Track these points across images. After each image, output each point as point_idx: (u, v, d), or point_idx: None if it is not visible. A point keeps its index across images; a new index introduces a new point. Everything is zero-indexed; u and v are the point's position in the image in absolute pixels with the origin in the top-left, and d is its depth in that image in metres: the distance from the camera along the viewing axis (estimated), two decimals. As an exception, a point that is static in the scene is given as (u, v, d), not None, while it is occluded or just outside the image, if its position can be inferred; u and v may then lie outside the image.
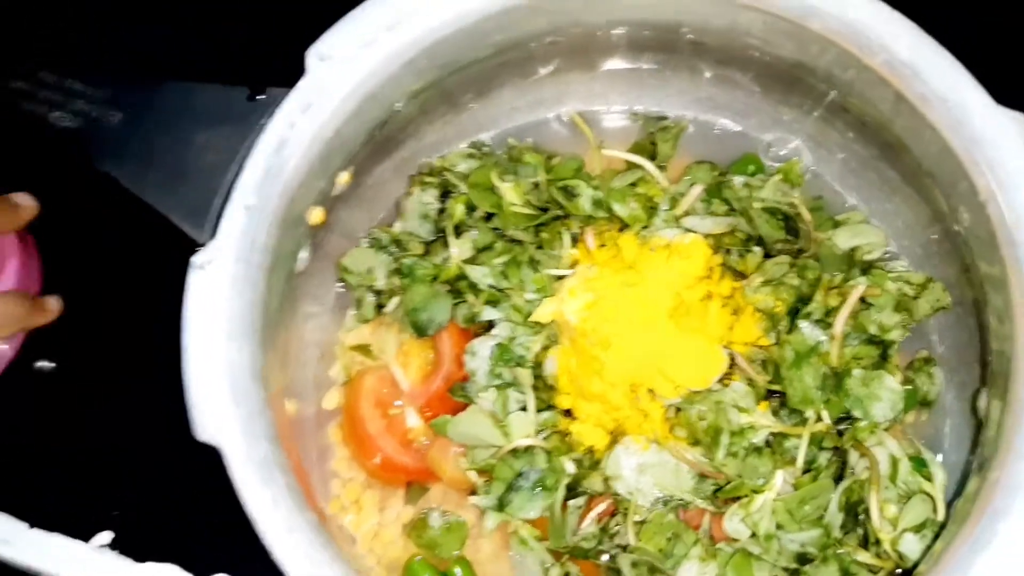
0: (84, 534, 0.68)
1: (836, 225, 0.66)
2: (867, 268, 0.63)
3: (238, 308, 0.47)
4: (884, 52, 0.51)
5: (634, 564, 0.56)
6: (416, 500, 0.63)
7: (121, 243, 0.65)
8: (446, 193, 0.67)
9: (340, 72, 0.53)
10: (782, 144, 0.70)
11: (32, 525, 0.69)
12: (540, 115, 0.72)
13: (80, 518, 0.68)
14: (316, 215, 0.57)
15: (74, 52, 0.71)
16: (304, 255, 0.59)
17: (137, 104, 0.59)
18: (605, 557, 0.59)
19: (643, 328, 0.59)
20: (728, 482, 0.58)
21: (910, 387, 0.62)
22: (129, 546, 0.68)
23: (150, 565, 0.67)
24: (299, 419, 0.64)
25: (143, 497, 0.70)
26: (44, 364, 0.72)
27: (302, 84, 0.52)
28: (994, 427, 0.50)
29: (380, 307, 0.66)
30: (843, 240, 0.65)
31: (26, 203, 0.63)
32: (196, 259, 0.48)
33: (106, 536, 0.69)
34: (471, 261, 0.65)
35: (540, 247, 0.65)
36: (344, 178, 0.59)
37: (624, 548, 0.57)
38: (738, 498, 0.58)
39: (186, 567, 0.65)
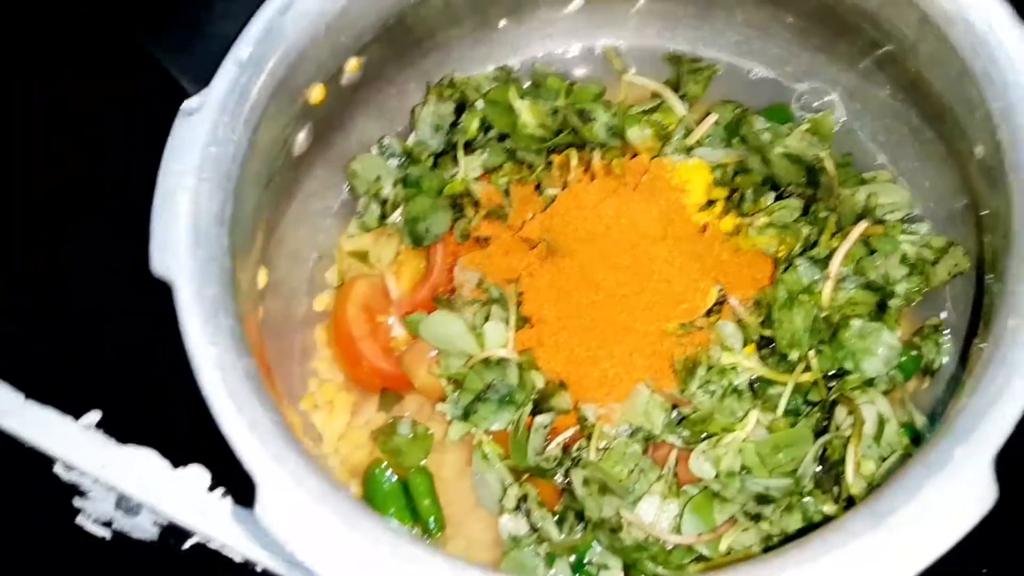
0: (75, 410, 0.71)
1: (862, 183, 0.64)
2: (881, 220, 0.61)
3: (215, 155, 0.48)
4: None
5: (585, 481, 0.54)
6: (390, 407, 0.63)
7: (130, 101, 0.66)
8: (462, 108, 0.67)
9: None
10: (817, 96, 0.68)
11: (28, 396, 0.71)
12: (572, 45, 0.71)
13: (72, 393, 0.71)
14: (317, 92, 0.57)
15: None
16: (303, 137, 0.59)
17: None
18: (563, 479, 0.57)
19: (630, 249, 0.57)
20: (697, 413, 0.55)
21: (915, 352, 0.59)
22: (114, 427, 0.70)
23: (130, 448, 0.69)
24: (287, 314, 0.65)
25: (132, 379, 0.71)
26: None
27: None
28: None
29: (384, 216, 0.66)
30: (867, 198, 0.62)
31: None
32: (185, 104, 0.49)
33: (94, 415, 0.71)
34: (477, 179, 0.65)
35: (550, 169, 0.65)
36: (352, 64, 0.59)
37: (578, 463, 0.55)
38: (709, 438, 0.56)
39: (164, 454, 0.67)
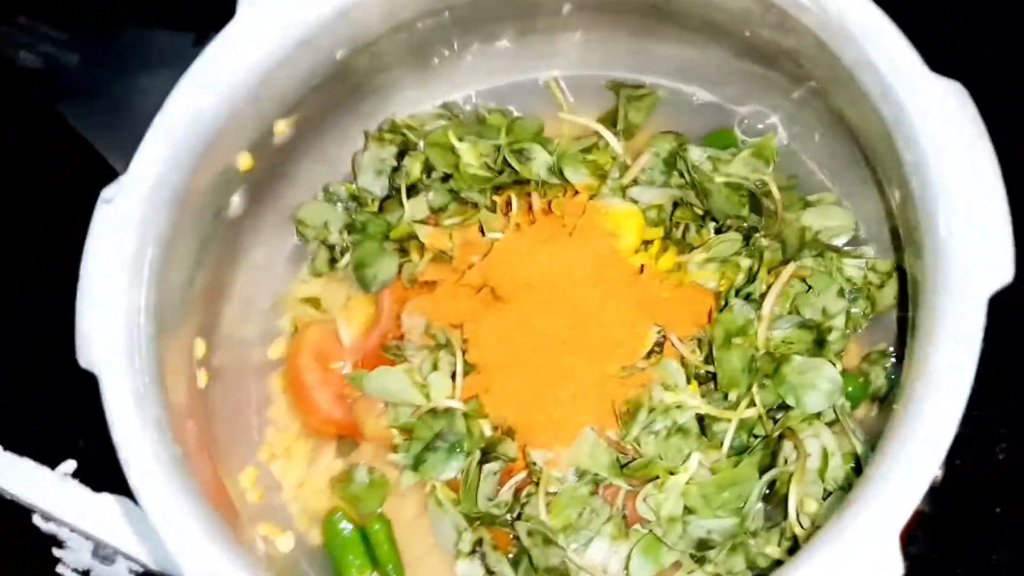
0: (51, 460, 0.72)
1: (807, 206, 0.63)
2: (821, 251, 0.60)
3: (135, 243, 0.48)
4: (818, 11, 0.47)
5: (530, 533, 0.55)
6: (347, 454, 0.63)
7: (59, 181, 0.67)
8: (404, 152, 0.67)
9: (267, 16, 0.53)
10: (759, 118, 0.67)
11: (5, 447, 0.73)
12: (514, 77, 0.71)
13: (48, 444, 0.72)
14: (244, 160, 0.56)
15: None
16: (238, 200, 0.59)
17: (94, 47, 0.60)
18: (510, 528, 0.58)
19: (567, 295, 0.58)
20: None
21: (862, 379, 0.59)
22: (89, 476, 0.71)
23: (105, 496, 0.70)
24: (241, 364, 0.65)
25: (103, 429, 0.72)
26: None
27: (229, 26, 0.52)
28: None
29: (333, 261, 0.66)
30: (812, 221, 0.62)
31: None
32: (104, 192, 0.49)
33: (70, 465, 0.72)
34: (423, 221, 0.65)
35: (494, 211, 0.64)
36: (281, 127, 0.59)
37: (520, 516, 0.56)
38: (655, 478, 0.56)
39: (136, 500, 0.68)
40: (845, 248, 0.62)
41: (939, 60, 0.47)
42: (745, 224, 0.61)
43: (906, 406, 0.42)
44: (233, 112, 0.53)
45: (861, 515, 0.40)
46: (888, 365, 0.60)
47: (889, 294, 0.60)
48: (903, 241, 0.52)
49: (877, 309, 0.60)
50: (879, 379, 0.60)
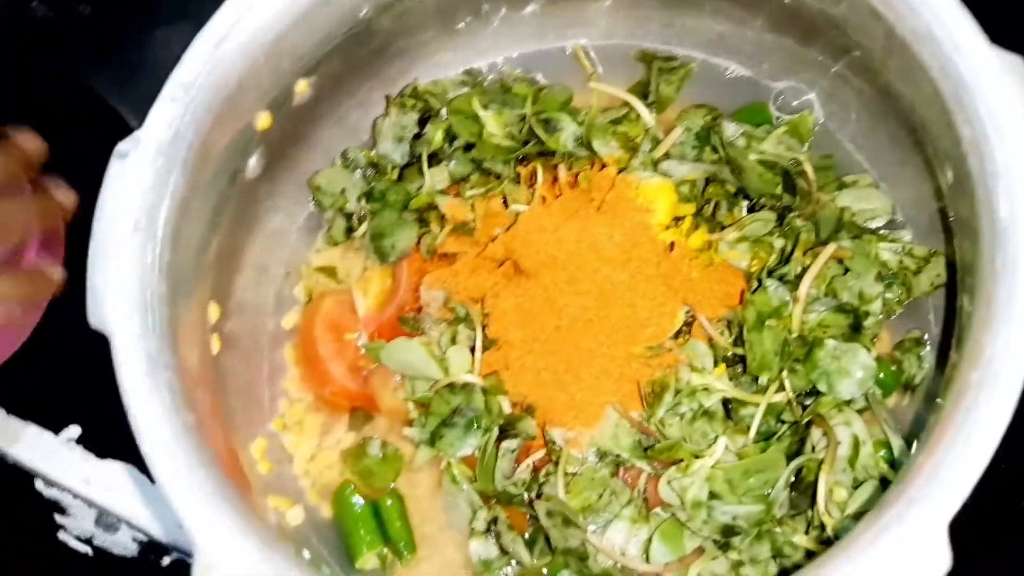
0: (55, 425, 0.71)
1: (842, 187, 0.61)
2: (858, 233, 0.58)
3: (151, 201, 0.46)
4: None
5: (549, 513, 0.53)
6: (360, 427, 0.62)
7: (71, 135, 0.65)
8: (426, 118, 0.64)
9: (290, -30, 0.50)
10: (795, 95, 0.65)
11: (8, 411, 0.71)
12: (541, 45, 0.68)
13: (53, 408, 0.70)
14: (263, 119, 0.54)
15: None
16: (255, 161, 0.57)
17: (108, -2, 0.58)
18: (528, 507, 0.57)
19: (593, 273, 0.56)
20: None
21: (895, 367, 0.57)
22: (93, 442, 0.70)
23: (109, 462, 0.68)
24: (255, 333, 0.64)
25: (110, 394, 0.71)
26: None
27: (250, -20, 0.50)
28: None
29: (350, 230, 0.64)
30: (847, 203, 0.60)
31: (32, 145, 0.57)
32: (119, 147, 0.47)
33: (74, 430, 0.70)
34: (444, 191, 0.63)
35: (518, 182, 0.63)
36: (301, 86, 0.56)
37: (540, 495, 0.54)
38: (679, 462, 0.54)
39: (143, 469, 0.67)
40: (881, 231, 0.61)
41: (999, 34, 0.44)
42: (779, 204, 0.59)
43: (959, 397, 0.40)
44: (252, 68, 0.51)
45: (912, 508, 0.38)
46: (922, 353, 0.58)
47: (925, 280, 0.58)
48: (953, 225, 0.50)
49: (913, 295, 0.58)
50: (912, 367, 0.58)
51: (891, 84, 0.51)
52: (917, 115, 0.50)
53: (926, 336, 0.58)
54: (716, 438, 0.54)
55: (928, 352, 0.58)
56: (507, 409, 0.56)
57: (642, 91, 0.65)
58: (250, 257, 0.62)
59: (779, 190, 0.60)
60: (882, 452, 0.54)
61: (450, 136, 0.64)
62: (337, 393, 0.62)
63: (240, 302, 0.61)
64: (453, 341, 0.58)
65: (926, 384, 0.58)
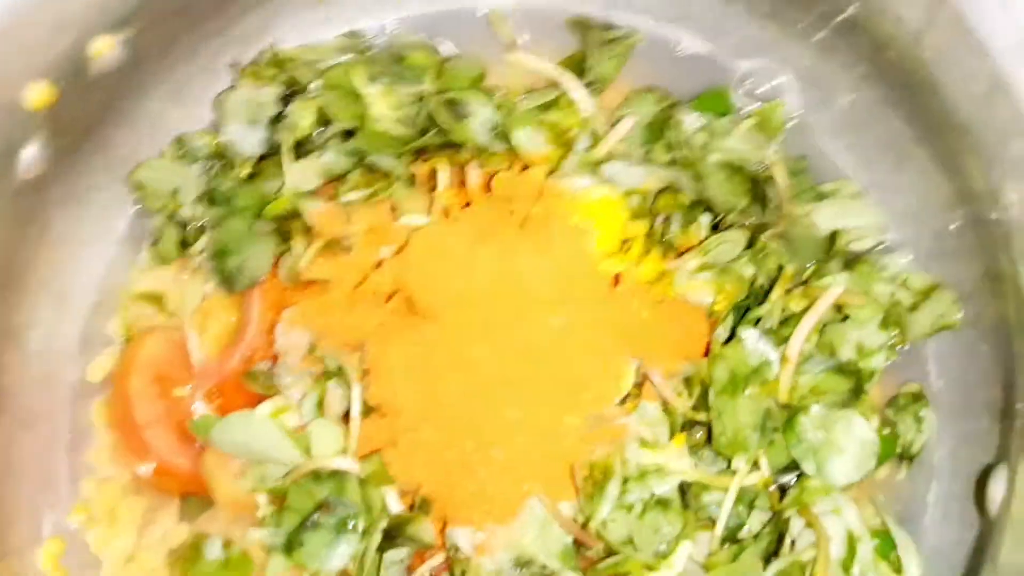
0: None
1: (820, 197, 0.54)
2: (853, 261, 0.50)
3: None
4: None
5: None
6: (194, 517, 0.52)
7: None
8: (290, 95, 0.55)
9: None
10: (765, 77, 0.56)
11: None
12: (446, 4, 0.58)
13: None
14: (40, 94, 0.44)
15: None
16: (32, 152, 0.46)
17: None
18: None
19: (517, 315, 0.46)
20: (609, 553, 0.44)
21: (888, 431, 0.49)
22: None
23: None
24: (48, 385, 0.54)
25: None
26: None
27: None
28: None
29: (185, 244, 0.56)
30: (825, 219, 0.53)
31: None
32: None
33: None
34: (311, 194, 0.53)
35: (413, 185, 0.53)
36: (103, 46, 0.46)
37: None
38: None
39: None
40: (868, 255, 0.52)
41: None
42: (748, 219, 0.50)
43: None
44: (15, 20, 0.39)
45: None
46: (921, 413, 0.50)
47: (925, 321, 0.50)
48: (1005, 253, 0.42)
49: (909, 338, 0.50)
50: (910, 431, 0.50)
51: (925, 72, 0.41)
52: (960, 115, 0.41)
53: (926, 391, 0.51)
54: (674, 539, 0.44)
55: (929, 412, 0.50)
56: (394, 506, 0.47)
57: (576, 67, 0.55)
58: (38, 280, 0.52)
59: (745, 201, 0.51)
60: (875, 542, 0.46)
61: (323, 119, 0.54)
62: (162, 472, 0.52)
63: (25, 342, 0.52)
64: (319, 407, 0.48)
65: (926, 453, 0.50)
